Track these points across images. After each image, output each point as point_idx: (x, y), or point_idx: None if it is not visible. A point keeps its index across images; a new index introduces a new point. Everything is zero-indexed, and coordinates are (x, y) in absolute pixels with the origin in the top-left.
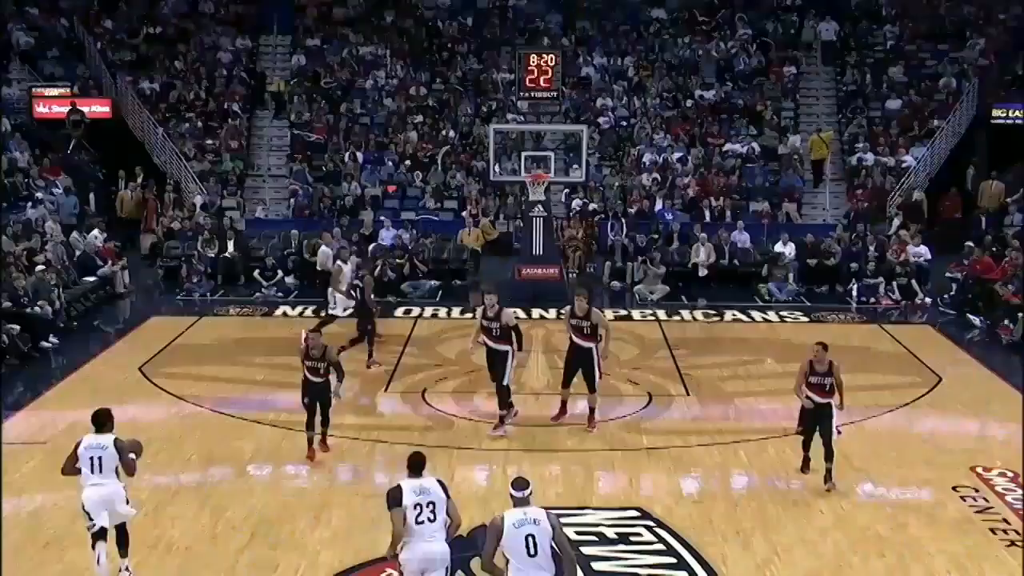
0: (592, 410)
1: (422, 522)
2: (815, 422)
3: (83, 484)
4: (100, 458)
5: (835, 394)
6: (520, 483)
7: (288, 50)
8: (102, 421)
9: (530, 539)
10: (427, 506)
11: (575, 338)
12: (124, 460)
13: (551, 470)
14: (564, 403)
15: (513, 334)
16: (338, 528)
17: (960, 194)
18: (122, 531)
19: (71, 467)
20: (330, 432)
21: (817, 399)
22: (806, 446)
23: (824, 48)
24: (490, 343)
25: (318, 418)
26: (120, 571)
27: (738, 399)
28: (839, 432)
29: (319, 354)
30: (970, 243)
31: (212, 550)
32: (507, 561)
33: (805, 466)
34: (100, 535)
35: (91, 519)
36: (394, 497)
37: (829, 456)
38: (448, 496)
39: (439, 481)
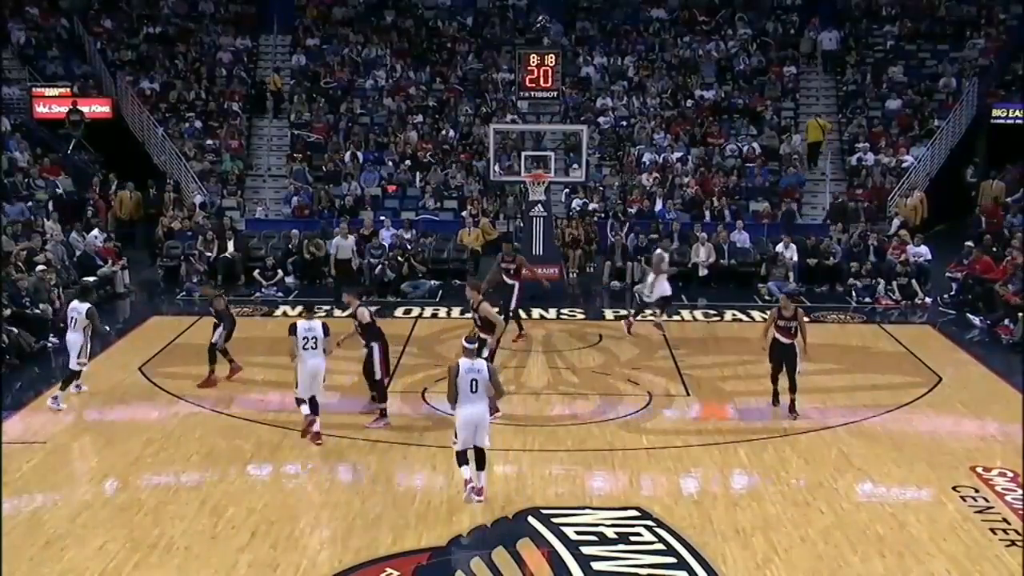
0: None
1: (307, 348)
2: (781, 359)
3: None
4: (75, 319)
5: (799, 337)
6: (471, 338)
7: (288, 50)
8: (87, 291)
9: (473, 382)
10: (312, 338)
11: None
12: (95, 325)
13: (551, 470)
14: None
15: (375, 330)
16: (338, 528)
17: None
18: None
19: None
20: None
21: (783, 340)
22: (774, 380)
23: (825, 57)
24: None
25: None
26: (54, 398)
27: (738, 399)
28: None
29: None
30: (970, 243)
31: (212, 550)
32: (456, 395)
33: (775, 399)
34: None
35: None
36: (292, 329)
37: (793, 388)
38: (327, 333)
39: (323, 324)
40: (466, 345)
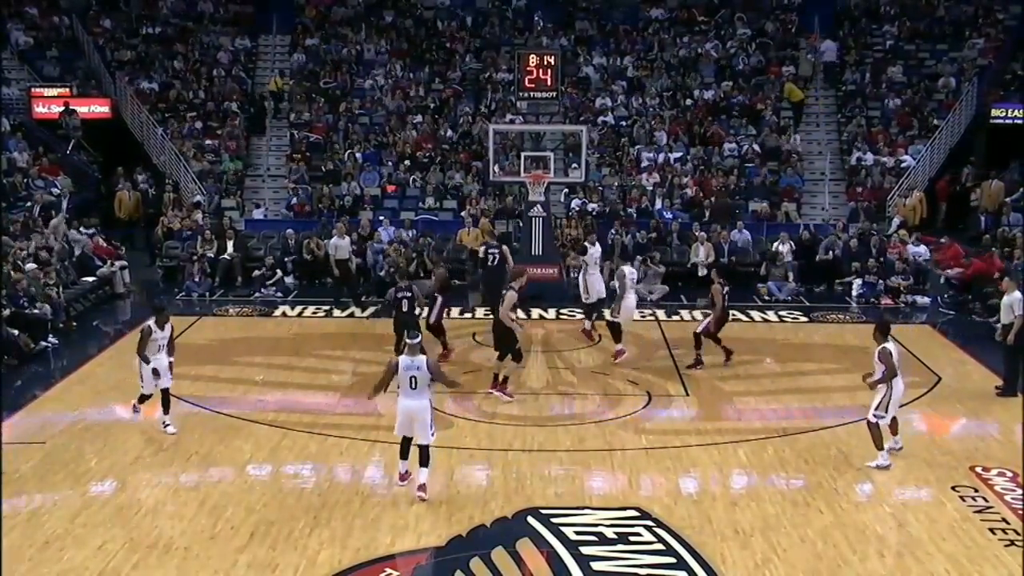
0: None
1: (155, 351)
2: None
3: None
4: (162, 345)
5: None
6: (414, 334)
7: (287, 50)
8: (158, 310)
9: (412, 379)
10: (162, 345)
11: None
12: (171, 339)
13: (550, 470)
14: None
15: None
16: (337, 528)
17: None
18: (167, 399)
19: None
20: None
21: None
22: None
23: (825, 68)
24: None
25: None
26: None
27: (737, 399)
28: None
29: None
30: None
31: (211, 550)
32: (399, 385)
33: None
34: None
35: (143, 381)
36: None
37: (697, 344)
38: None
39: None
40: (410, 341)
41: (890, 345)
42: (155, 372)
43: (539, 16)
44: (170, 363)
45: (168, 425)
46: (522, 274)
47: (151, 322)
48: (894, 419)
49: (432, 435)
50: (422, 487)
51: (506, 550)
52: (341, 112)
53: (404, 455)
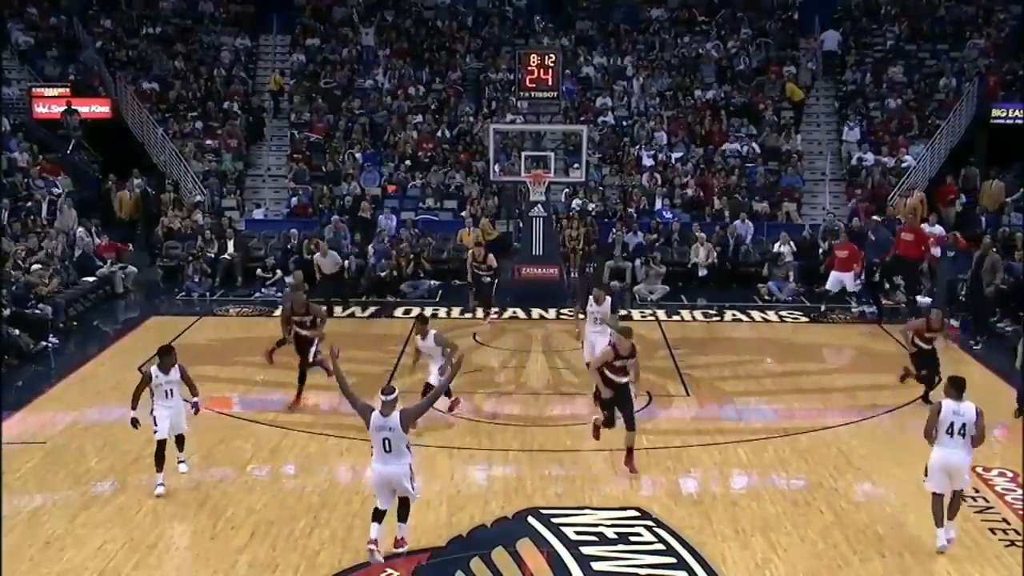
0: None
1: (163, 397)
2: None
3: (158, 405)
4: (169, 390)
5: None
6: (389, 390)
7: (288, 50)
8: (168, 353)
9: (386, 441)
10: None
11: None
12: (187, 380)
13: (551, 470)
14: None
15: None
16: (338, 528)
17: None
18: (180, 439)
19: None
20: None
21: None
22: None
23: (826, 58)
24: None
25: None
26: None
27: (738, 399)
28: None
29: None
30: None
31: (212, 550)
32: (372, 449)
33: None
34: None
35: (156, 426)
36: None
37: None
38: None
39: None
40: (384, 397)
41: (949, 403)
42: (134, 422)
43: (539, 16)
44: (195, 404)
45: (182, 463)
46: (629, 335)
47: (154, 366)
48: (936, 496)
49: (416, 490)
50: (400, 541)
51: (506, 550)
52: (342, 112)
53: (378, 518)
